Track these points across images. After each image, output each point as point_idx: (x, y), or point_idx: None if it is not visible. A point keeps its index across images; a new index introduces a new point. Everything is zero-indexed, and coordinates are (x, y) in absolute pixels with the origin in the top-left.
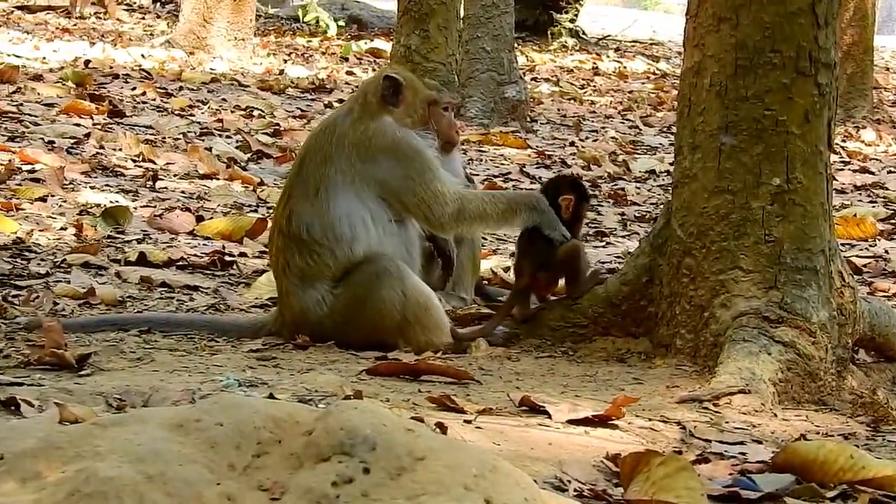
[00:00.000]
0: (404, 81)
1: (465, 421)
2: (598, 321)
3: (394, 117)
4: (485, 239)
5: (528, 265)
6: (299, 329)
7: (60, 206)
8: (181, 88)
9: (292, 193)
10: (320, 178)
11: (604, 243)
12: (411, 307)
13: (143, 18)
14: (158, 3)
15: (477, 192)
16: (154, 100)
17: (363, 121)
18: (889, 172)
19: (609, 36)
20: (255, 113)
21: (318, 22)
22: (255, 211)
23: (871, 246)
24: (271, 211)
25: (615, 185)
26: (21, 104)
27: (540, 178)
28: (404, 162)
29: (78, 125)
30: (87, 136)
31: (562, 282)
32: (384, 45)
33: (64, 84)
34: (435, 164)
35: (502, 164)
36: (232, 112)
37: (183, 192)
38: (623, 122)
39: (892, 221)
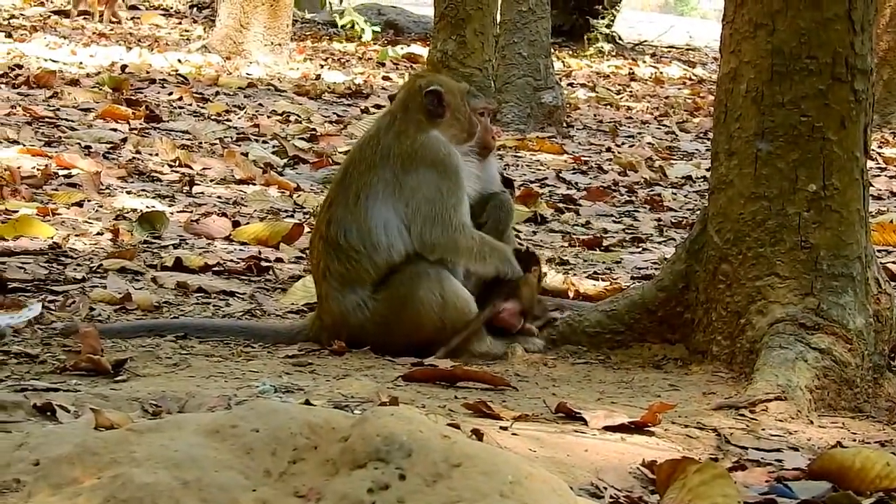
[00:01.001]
0: (444, 89)
1: (502, 427)
2: (634, 327)
3: (440, 129)
4: (520, 244)
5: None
6: (339, 332)
7: (97, 210)
8: (217, 93)
9: (334, 200)
10: (362, 185)
11: (640, 249)
12: (449, 311)
13: (180, 23)
14: (195, 8)
15: (476, 233)
16: (190, 105)
17: (408, 133)
18: None
19: (645, 41)
20: (292, 118)
21: (353, 26)
22: (292, 216)
23: None
24: (308, 216)
25: (651, 190)
26: (58, 109)
27: (577, 183)
28: (442, 177)
29: (114, 130)
30: (124, 140)
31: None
32: (421, 50)
33: (100, 89)
34: (463, 193)
35: (539, 169)
36: (268, 117)
37: (219, 197)
38: (659, 128)
39: None
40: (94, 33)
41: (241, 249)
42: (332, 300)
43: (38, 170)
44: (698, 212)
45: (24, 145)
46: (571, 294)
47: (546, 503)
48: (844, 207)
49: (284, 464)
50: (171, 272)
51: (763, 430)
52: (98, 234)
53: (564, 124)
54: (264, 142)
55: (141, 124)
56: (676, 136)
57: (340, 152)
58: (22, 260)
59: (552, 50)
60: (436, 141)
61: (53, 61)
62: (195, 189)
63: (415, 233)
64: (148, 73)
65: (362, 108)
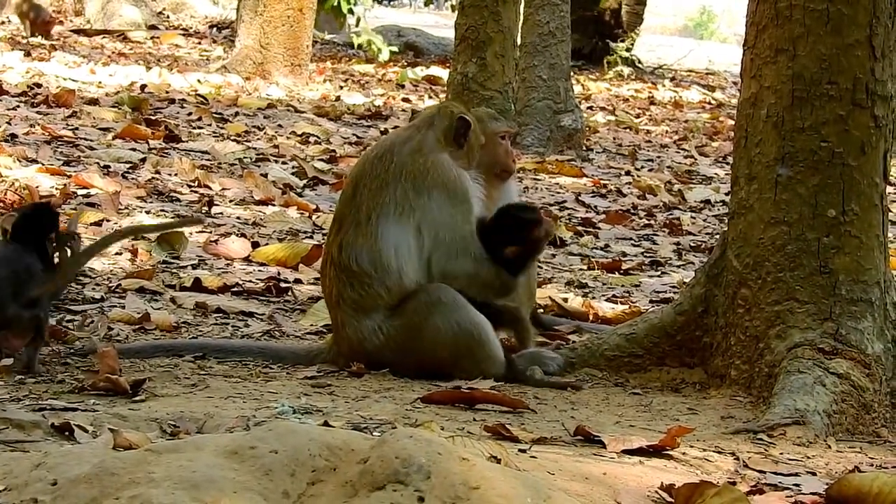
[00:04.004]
0: (472, 124)
1: (520, 450)
2: (652, 351)
3: (452, 156)
4: (540, 267)
5: None
6: (356, 358)
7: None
8: (237, 114)
9: (344, 221)
10: (374, 205)
11: (659, 273)
12: (464, 338)
13: (200, 43)
14: (215, 29)
15: (493, 267)
16: (210, 125)
17: (423, 152)
18: None
19: (665, 65)
20: (311, 139)
21: (370, 45)
22: (311, 237)
23: None
24: (326, 238)
25: (670, 214)
26: (77, 128)
27: (596, 206)
28: (455, 202)
29: (133, 150)
30: (143, 160)
31: None
32: (440, 72)
33: (120, 108)
34: (474, 217)
35: (558, 192)
36: (288, 138)
37: (238, 217)
38: (678, 152)
39: None
40: (113, 52)
41: (259, 270)
42: (347, 327)
43: (56, 189)
44: (717, 236)
45: (43, 164)
46: (590, 317)
47: None
48: (864, 233)
49: (303, 485)
50: (190, 292)
51: (781, 454)
52: (117, 253)
53: (584, 147)
54: (283, 163)
55: (160, 144)
56: (695, 160)
57: None
58: None
59: (572, 73)
60: (447, 163)
61: (73, 80)
62: (214, 209)
63: (437, 261)
64: (167, 92)
65: (382, 129)
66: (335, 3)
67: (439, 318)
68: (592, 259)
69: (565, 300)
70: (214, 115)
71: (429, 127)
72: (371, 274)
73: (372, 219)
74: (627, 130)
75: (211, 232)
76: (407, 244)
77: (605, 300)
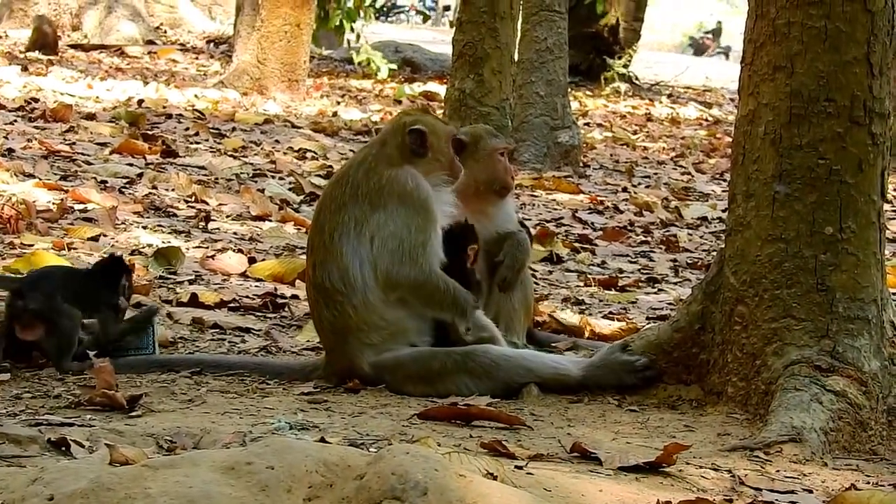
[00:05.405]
0: (427, 129)
1: (517, 467)
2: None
3: (417, 167)
4: (537, 283)
5: None
6: (349, 378)
7: (112, 245)
8: (234, 129)
9: (313, 243)
10: (335, 225)
11: (656, 290)
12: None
13: (197, 58)
14: (212, 44)
15: (443, 279)
16: (207, 140)
17: (378, 170)
18: None
19: (662, 82)
20: (308, 155)
21: (369, 63)
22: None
23: None
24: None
25: (667, 231)
26: (74, 143)
27: (593, 223)
28: (410, 212)
29: (131, 165)
30: (140, 175)
31: None
32: (437, 88)
33: (117, 123)
34: (433, 228)
35: (555, 208)
36: (285, 153)
37: (235, 233)
38: (676, 169)
39: None
40: (110, 67)
41: (256, 286)
42: (334, 352)
43: (53, 204)
44: (714, 253)
45: (40, 179)
46: (587, 334)
47: None
48: (861, 250)
49: (300, 501)
50: (187, 308)
51: (777, 471)
52: None
53: (581, 164)
54: (280, 178)
55: (157, 159)
56: (692, 176)
57: None
58: None
59: (569, 89)
60: (403, 175)
61: (70, 95)
62: (211, 225)
63: (381, 268)
64: (165, 107)
65: None
66: (338, 23)
67: (467, 379)
68: (589, 275)
69: (562, 317)
70: (211, 130)
71: (382, 144)
72: (341, 290)
73: (334, 238)
74: (624, 147)
75: (208, 247)
76: (371, 262)
77: (602, 317)
